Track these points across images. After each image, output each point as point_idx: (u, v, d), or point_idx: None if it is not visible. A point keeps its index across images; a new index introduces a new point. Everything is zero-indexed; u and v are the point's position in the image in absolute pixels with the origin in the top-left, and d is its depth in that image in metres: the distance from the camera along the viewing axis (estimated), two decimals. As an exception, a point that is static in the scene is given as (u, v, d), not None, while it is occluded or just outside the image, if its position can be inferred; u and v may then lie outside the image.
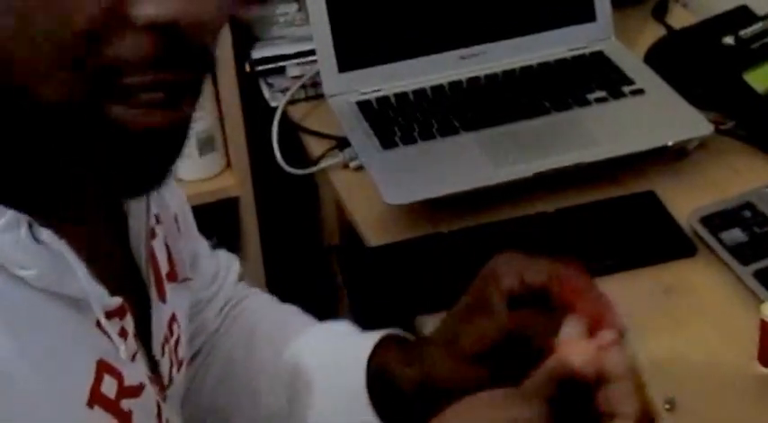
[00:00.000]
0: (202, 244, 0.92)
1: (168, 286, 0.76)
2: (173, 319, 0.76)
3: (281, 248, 1.81)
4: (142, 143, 0.56)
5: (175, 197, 0.83)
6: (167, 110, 0.56)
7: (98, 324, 0.63)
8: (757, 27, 1.35)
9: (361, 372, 0.80)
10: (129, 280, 0.71)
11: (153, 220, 0.74)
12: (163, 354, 0.73)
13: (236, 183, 1.62)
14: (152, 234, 0.74)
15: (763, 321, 0.96)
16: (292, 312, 0.92)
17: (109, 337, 0.64)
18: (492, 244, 1.15)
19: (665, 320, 1.06)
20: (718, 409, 0.95)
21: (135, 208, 0.71)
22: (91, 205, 0.67)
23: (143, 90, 0.54)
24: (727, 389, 0.97)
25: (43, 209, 0.60)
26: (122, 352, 0.64)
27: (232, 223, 1.72)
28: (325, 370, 0.83)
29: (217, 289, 0.92)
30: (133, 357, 0.67)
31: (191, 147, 1.54)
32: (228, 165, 1.63)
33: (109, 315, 0.64)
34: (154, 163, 0.58)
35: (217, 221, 1.70)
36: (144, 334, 0.71)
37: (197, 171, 1.60)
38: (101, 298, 0.63)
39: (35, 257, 0.58)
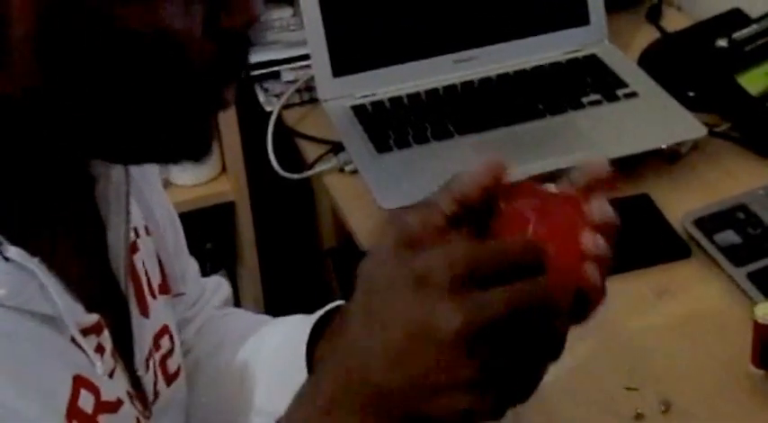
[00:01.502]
0: (192, 265, 0.92)
1: (161, 298, 0.76)
2: (163, 332, 0.76)
3: (276, 253, 1.81)
4: (207, 118, 0.65)
5: (167, 213, 0.83)
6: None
7: (73, 339, 0.63)
8: (750, 30, 1.36)
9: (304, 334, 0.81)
10: (108, 295, 0.71)
11: (133, 235, 0.74)
12: (147, 369, 0.73)
13: (231, 187, 1.62)
14: (133, 248, 0.73)
15: (756, 323, 0.96)
16: (258, 320, 0.92)
17: (85, 352, 0.64)
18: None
19: (660, 322, 1.06)
20: (711, 410, 0.96)
21: (113, 222, 0.71)
22: (67, 220, 0.67)
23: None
24: (721, 390, 0.97)
25: (15, 225, 0.60)
26: (99, 368, 0.64)
27: (228, 228, 1.72)
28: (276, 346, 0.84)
29: (198, 310, 0.92)
30: (111, 374, 0.67)
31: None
32: (224, 169, 1.63)
33: (85, 332, 0.64)
34: (210, 133, 0.66)
35: (213, 226, 1.71)
36: (126, 349, 0.71)
37: (192, 176, 1.60)
38: (76, 315, 0.63)
39: (5, 276, 0.58)
